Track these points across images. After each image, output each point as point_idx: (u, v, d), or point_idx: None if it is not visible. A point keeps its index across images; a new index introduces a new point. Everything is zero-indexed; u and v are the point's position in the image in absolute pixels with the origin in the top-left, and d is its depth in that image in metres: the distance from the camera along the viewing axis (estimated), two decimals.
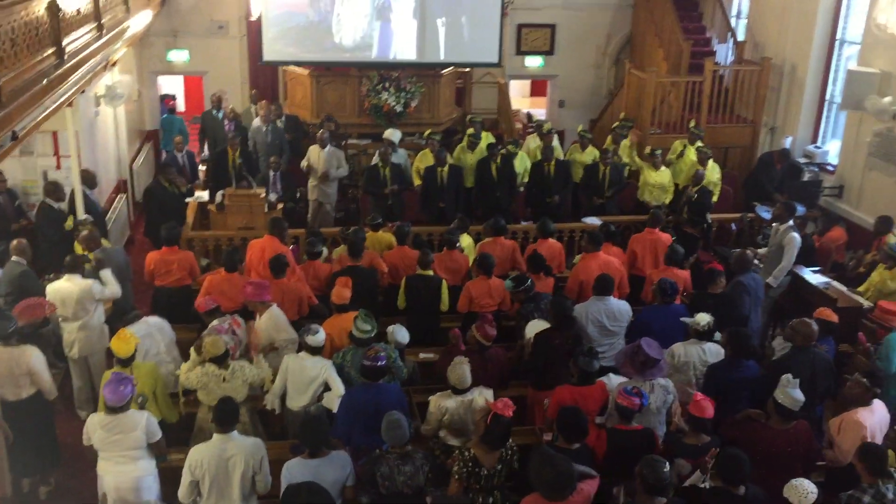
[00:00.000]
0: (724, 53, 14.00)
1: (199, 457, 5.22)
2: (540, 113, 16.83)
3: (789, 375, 5.53)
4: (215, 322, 6.86)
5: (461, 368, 5.85)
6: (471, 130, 11.52)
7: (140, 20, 11.42)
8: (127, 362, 6.12)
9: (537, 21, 15.44)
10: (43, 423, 6.68)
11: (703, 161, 10.78)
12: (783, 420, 5.49)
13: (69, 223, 8.81)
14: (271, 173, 11.27)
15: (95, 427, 5.52)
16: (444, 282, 7.88)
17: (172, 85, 17.46)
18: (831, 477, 5.90)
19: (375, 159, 10.93)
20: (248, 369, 6.28)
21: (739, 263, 8.00)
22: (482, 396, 5.88)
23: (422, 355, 7.45)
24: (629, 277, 8.52)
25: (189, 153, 12.74)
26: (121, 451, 5.55)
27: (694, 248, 9.99)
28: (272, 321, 6.97)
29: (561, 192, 10.85)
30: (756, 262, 8.83)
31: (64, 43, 7.44)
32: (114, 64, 10.49)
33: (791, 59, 12.29)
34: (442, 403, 5.90)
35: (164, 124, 14.30)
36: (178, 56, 14.63)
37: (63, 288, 7.32)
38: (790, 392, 5.43)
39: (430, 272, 7.87)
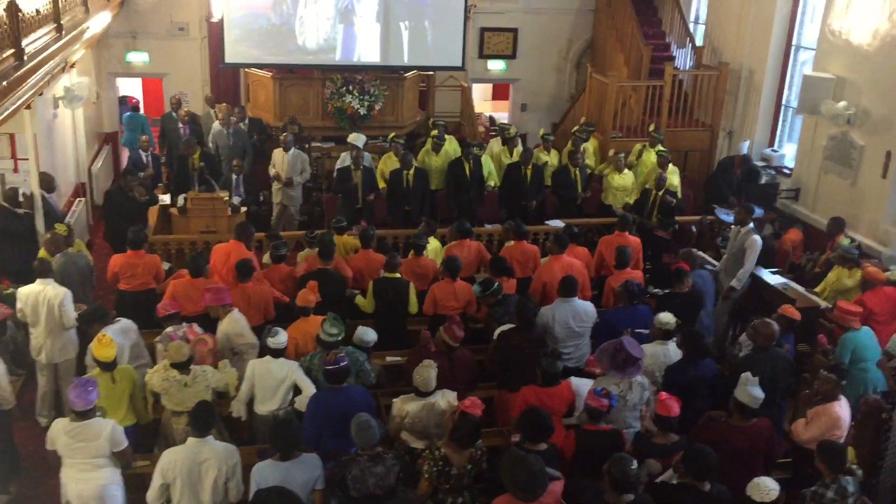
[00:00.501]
0: (683, 58, 14.23)
1: (171, 459, 5.17)
2: (502, 116, 16.92)
3: (748, 374, 5.64)
4: (169, 329, 6.76)
5: (427, 371, 5.85)
6: (435, 133, 11.54)
7: (99, 21, 11.26)
8: (111, 366, 5.99)
9: (500, 25, 15.54)
10: (1, 431, 6.52)
11: (663, 164, 10.90)
12: (744, 417, 5.60)
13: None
14: (234, 176, 11.18)
15: (59, 433, 5.42)
16: (411, 284, 7.86)
17: (131, 87, 17.22)
18: (797, 470, 6.06)
19: (345, 161, 10.85)
20: (210, 374, 6.21)
21: (685, 261, 8.14)
22: (444, 399, 5.88)
23: (388, 359, 7.44)
24: (598, 279, 8.60)
25: (154, 155, 12.56)
26: (84, 459, 5.44)
27: (662, 250, 10.14)
28: (232, 325, 6.89)
29: (536, 196, 10.89)
30: (713, 266, 9.01)
31: (23, 44, 7.31)
32: (72, 65, 10.33)
33: (748, 64, 12.52)
34: (403, 407, 5.89)
35: (127, 122, 13.92)
36: (138, 58, 14.45)
37: (35, 291, 7.16)
38: (749, 389, 5.54)
39: (397, 275, 7.85)
